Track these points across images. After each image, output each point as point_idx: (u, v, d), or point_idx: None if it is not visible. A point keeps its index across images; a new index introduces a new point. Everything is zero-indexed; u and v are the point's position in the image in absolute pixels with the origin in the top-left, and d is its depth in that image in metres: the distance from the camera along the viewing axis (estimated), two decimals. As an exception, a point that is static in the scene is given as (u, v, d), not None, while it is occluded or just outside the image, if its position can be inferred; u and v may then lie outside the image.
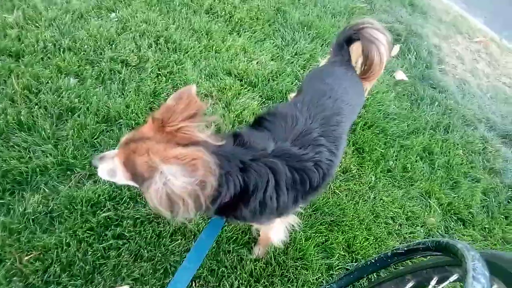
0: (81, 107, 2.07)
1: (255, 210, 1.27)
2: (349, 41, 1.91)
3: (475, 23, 4.78)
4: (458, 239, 2.39)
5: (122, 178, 1.17)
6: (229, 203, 1.20)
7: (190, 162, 0.98)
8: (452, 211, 2.57)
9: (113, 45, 2.44)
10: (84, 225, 1.70)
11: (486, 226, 2.58)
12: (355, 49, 1.94)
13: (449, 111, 3.33)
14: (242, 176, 1.18)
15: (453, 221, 2.52)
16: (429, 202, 2.54)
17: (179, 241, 1.79)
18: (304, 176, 1.30)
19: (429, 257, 1.24)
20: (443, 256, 1.08)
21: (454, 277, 1.02)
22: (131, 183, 1.17)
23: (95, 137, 1.99)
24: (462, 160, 2.94)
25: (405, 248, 1.21)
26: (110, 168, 1.18)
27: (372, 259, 1.38)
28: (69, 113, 2.05)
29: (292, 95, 2.52)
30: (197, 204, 1.04)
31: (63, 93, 2.09)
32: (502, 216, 2.68)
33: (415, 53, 3.80)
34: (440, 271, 1.10)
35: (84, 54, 2.33)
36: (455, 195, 2.66)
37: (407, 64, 3.62)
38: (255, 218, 1.37)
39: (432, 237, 2.37)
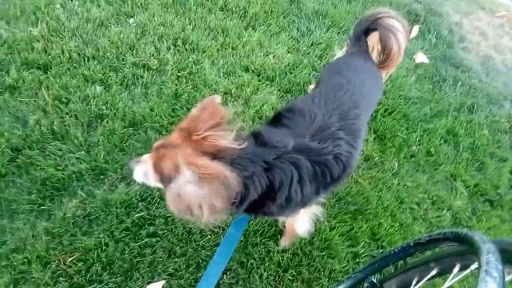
0: (108, 114, 2.17)
1: (281, 205, 1.32)
2: (366, 31, 1.91)
3: (497, -3, 4.62)
4: (485, 220, 2.39)
5: (152, 179, 1.25)
6: (257, 201, 1.26)
7: (206, 174, 1.04)
8: (479, 192, 2.56)
9: (134, 50, 2.52)
10: (120, 226, 1.81)
11: (515, 206, 2.56)
12: (371, 37, 1.94)
13: (473, 90, 3.27)
14: (267, 175, 1.23)
15: (480, 203, 2.51)
16: (454, 185, 2.53)
17: (208, 236, 1.87)
18: (325, 168, 1.34)
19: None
20: (463, 245, 1.10)
21: (474, 265, 1.04)
22: (160, 185, 1.25)
23: (124, 141, 2.09)
24: (488, 141, 2.90)
25: (427, 238, 1.24)
26: (144, 171, 1.27)
27: (396, 248, 1.41)
28: (98, 120, 2.15)
29: (311, 86, 2.54)
30: (213, 211, 1.09)
31: (91, 101, 2.19)
32: (532, 195, 2.64)
33: (435, 32, 3.72)
34: (462, 259, 1.12)
35: (107, 61, 2.42)
36: (481, 177, 2.64)
37: (427, 45, 3.56)
38: (281, 212, 1.42)
39: (460, 220, 2.37)
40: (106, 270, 1.68)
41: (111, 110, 2.19)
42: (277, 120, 1.51)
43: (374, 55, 1.94)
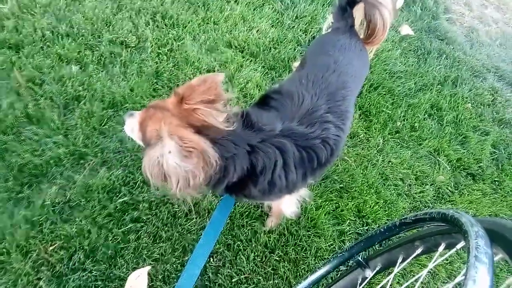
0: (86, 95, 2.07)
1: (264, 189, 1.31)
2: (352, 3, 1.84)
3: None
4: (467, 194, 2.43)
5: (136, 136, 1.27)
6: (237, 183, 1.25)
7: (188, 148, 1.04)
8: (462, 166, 2.59)
9: (111, 27, 2.39)
10: (102, 212, 1.77)
11: (496, 179, 2.60)
12: (358, 9, 1.88)
13: (457, 63, 3.26)
14: (250, 158, 1.22)
15: (462, 177, 2.54)
16: (438, 160, 2.56)
17: (194, 219, 1.85)
18: (312, 153, 1.32)
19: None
20: (449, 226, 1.10)
21: (460, 244, 1.04)
22: (141, 144, 1.27)
23: (103, 124, 2.02)
24: (471, 114, 2.92)
25: (413, 218, 1.24)
26: (132, 126, 1.27)
27: (381, 228, 1.42)
28: (75, 101, 2.06)
29: (296, 63, 2.48)
30: (186, 187, 1.10)
31: (67, 81, 2.09)
32: (512, 168, 2.69)
33: (420, 4, 3.66)
34: (447, 238, 1.13)
35: (82, 39, 2.30)
36: (464, 150, 2.67)
37: (413, 17, 3.50)
38: (264, 197, 1.41)
39: (442, 195, 2.40)
40: (89, 258, 1.65)
41: (88, 91, 2.10)
42: (265, 102, 1.47)
43: (362, 29, 1.89)
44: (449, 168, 2.54)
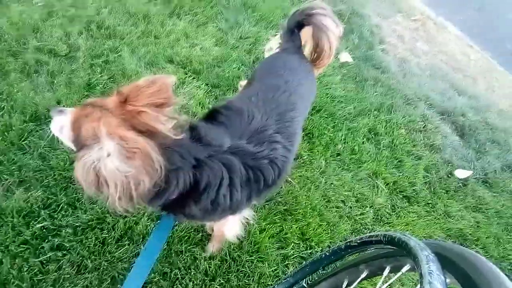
0: (4, 106, 1.85)
1: (206, 208, 1.22)
2: (300, 26, 1.86)
3: (413, 1, 4.93)
4: (404, 216, 2.49)
5: (66, 137, 1.10)
6: (178, 199, 1.15)
7: (131, 149, 0.93)
8: (398, 189, 2.66)
9: (38, 34, 2.19)
10: (16, 239, 1.54)
11: (429, 201, 2.71)
12: (305, 32, 1.89)
13: (391, 91, 3.43)
14: (194, 173, 1.12)
15: (398, 199, 2.61)
16: (376, 182, 2.61)
17: (126, 246, 1.68)
18: (259, 174, 1.27)
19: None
20: (397, 249, 1.08)
21: (406, 267, 1.02)
22: (71, 146, 1.10)
23: (23, 138, 1.80)
24: (405, 139, 3.04)
25: (358, 241, 1.21)
26: (62, 124, 1.11)
27: (327, 251, 1.37)
28: (-9, 113, 1.82)
29: (242, 82, 2.44)
30: (127, 196, 0.97)
31: (-18, 90, 1.85)
32: (443, 191, 2.82)
33: (357, 34, 3.84)
34: (392, 261, 1.11)
35: (5, 44, 2.08)
36: (399, 174, 2.76)
37: (351, 45, 3.65)
38: (205, 217, 1.32)
39: (381, 217, 2.44)
40: (-1, 293, 1.42)
41: (7, 101, 1.88)
42: (213, 116, 1.39)
43: (306, 51, 1.90)
44: (386, 191, 2.60)
